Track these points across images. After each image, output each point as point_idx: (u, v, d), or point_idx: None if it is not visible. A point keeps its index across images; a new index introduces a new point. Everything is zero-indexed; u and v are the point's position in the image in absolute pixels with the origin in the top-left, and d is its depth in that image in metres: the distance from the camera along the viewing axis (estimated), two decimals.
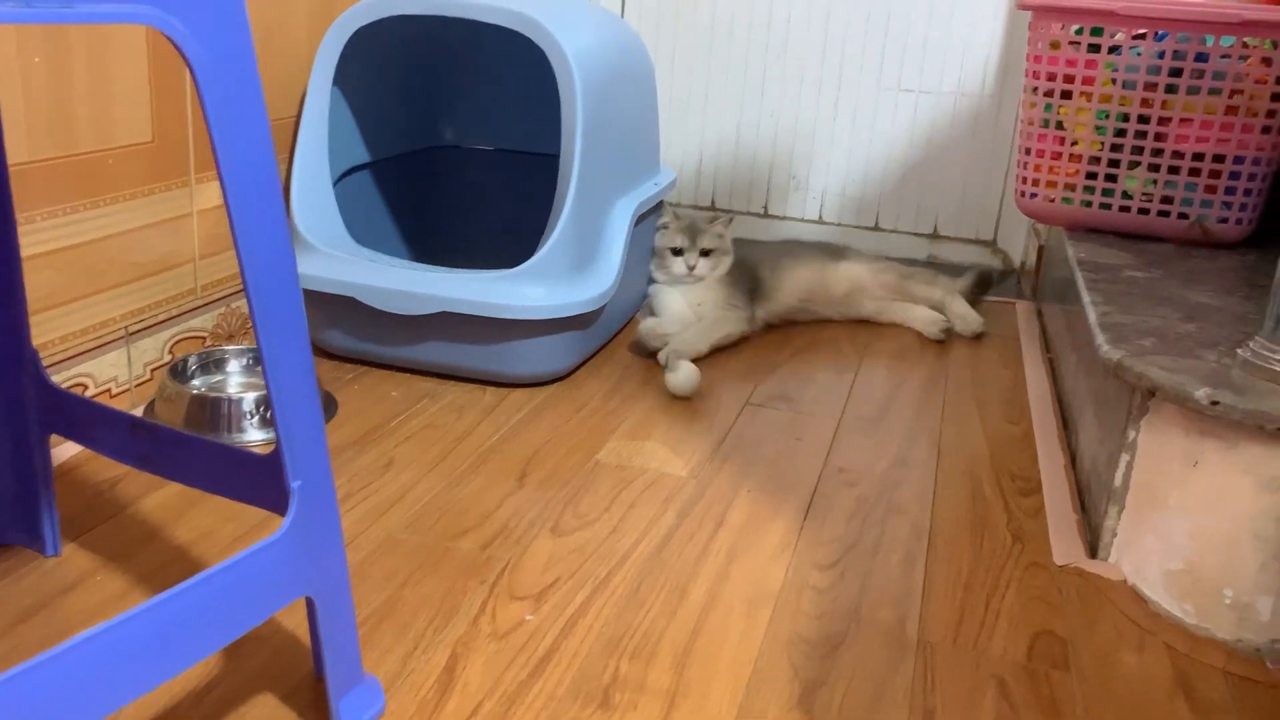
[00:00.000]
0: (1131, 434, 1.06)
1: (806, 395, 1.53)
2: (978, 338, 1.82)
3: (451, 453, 1.28)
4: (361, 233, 1.60)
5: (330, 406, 1.38)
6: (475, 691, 0.86)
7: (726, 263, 1.73)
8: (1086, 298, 1.23)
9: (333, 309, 1.48)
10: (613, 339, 1.68)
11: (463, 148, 1.94)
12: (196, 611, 0.67)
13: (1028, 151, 1.55)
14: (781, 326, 1.81)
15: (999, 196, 2.28)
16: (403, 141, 1.82)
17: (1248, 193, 1.44)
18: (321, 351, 1.55)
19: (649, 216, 1.72)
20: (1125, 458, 1.07)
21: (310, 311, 1.53)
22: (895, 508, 1.21)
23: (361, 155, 1.69)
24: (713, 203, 2.42)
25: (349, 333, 1.49)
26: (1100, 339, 1.08)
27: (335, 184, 1.59)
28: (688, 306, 1.71)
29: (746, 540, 1.12)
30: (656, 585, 1.02)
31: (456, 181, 1.93)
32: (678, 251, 1.70)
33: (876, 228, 2.36)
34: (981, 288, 1.98)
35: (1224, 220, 1.47)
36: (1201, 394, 0.94)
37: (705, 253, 1.70)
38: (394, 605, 0.97)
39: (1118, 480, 1.08)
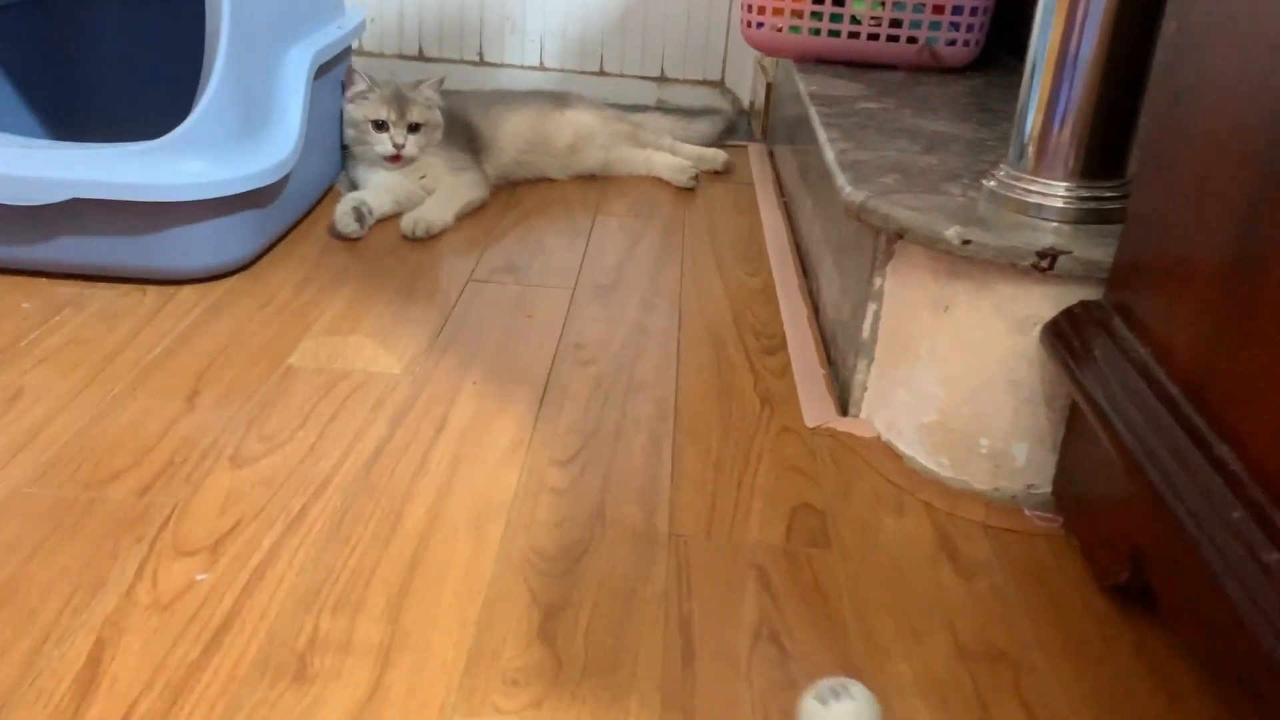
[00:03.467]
0: (878, 281, 0.98)
1: (536, 265, 1.37)
2: (720, 174, 1.75)
3: (101, 374, 1.03)
4: None
5: None
6: (128, 686, 0.67)
7: (437, 136, 1.51)
8: (823, 135, 1.12)
9: None
10: (304, 218, 1.45)
11: None
12: None
13: None
14: (503, 188, 1.63)
15: (724, 33, 2.15)
16: None
17: (974, 11, 1.38)
18: None
19: (335, 66, 1.47)
20: (872, 307, 0.99)
21: None
22: (637, 384, 1.08)
23: None
24: (420, 51, 2.17)
25: None
26: (841, 180, 0.98)
27: None
28: (405, 178, 1.49)
29: (472, 443, 0.96)
30: (364, 514, 0.85)
31: (90, 34, 1.58)
32: (380, 126, 1.46)
33: (602, 72, 2.19)
34: (724, 136, 1.89)
35: (952, 43, 1.40)
36: (952, 233, 0.86)
37: (414, 127, 1.47)
38: (17, 587, 0.75)
39: (865, 332, 1.00)
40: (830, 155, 1.05)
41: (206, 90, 1.15)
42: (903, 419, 0.98)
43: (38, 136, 1.46)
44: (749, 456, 0.97)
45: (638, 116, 1.86)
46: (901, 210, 0.90)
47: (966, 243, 0.85)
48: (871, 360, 1.01)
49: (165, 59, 1.60)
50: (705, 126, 1.89)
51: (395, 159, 1.46)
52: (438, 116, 1.50)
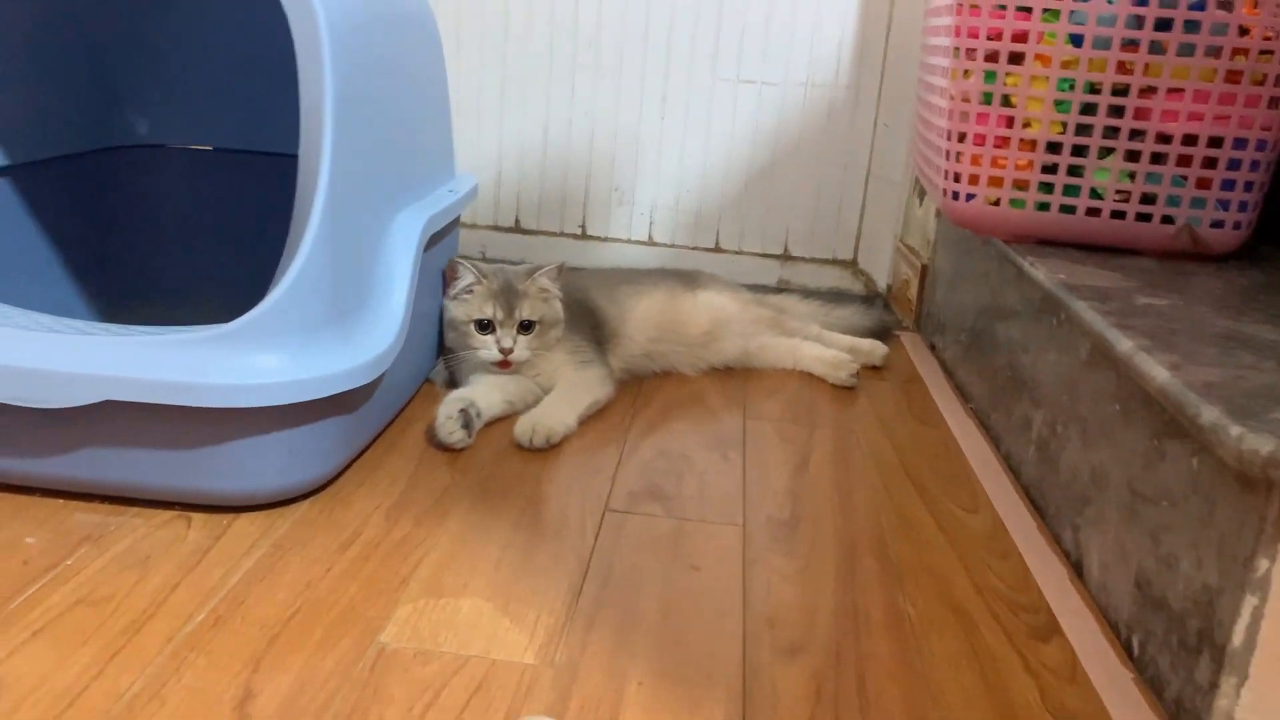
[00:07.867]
0: (1263, 565, 0.66)
1: (686, 489, 1.06)
2: (878, 369, 1.47)
3: (117, 657, 0.72)
4: None
5: None
6: None
7: (556, 333, 1.23)
8: (1124, 342, 0.82)
9: None
10: (391, 422, 1.16)
11: (166, 147, 1.36)
12: None
13: (961, 139, 1.15)
14: (626, 384, 1.35)
15: (859, 207, 1.91)
16: (66, 138, 1.24)
17: (1248, 187, 1.10)
18: None
19: (445, 237, 1.21)
20: (1250, 601, 0.67)
21: None
22: (874, 693, 0.75)
23: None
24: (517, 221, 1.94)
25: None
26: (1211, 413, 0.67)
27: None
28: (519, 371, 1.21)
29: None
30: None
31: (157, 197, 1.35)
32: (485, 327, 1.19)
33: (718, 249, 1.94)
34: (886, 330, 1.62)
35: (1218, 224, 1.12)
36: None
37: (526, 326, 1.20)
38: None
39: (1236, 636, 0.67)
40: (1161, 374, 0.74)
41: (294, 261, 0.88)
42: None
43: (81, 317, 1.20)
44: None
45: (775, 299, 1.59)
46: None
47: None
48: (1244, 679, 0.68)
49: (234, 227, 1.36)
50: (852, 315, 1.61)
51: (504, 365, 1.19)
52: (557, 310, 1.23)
